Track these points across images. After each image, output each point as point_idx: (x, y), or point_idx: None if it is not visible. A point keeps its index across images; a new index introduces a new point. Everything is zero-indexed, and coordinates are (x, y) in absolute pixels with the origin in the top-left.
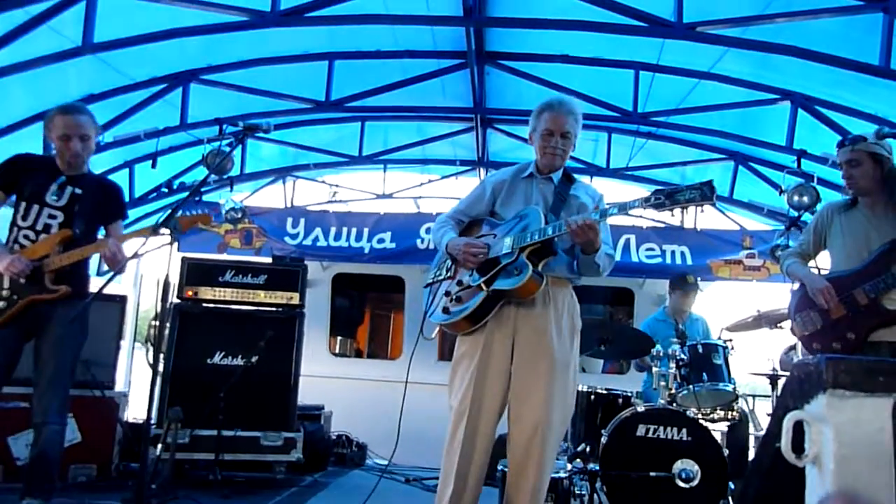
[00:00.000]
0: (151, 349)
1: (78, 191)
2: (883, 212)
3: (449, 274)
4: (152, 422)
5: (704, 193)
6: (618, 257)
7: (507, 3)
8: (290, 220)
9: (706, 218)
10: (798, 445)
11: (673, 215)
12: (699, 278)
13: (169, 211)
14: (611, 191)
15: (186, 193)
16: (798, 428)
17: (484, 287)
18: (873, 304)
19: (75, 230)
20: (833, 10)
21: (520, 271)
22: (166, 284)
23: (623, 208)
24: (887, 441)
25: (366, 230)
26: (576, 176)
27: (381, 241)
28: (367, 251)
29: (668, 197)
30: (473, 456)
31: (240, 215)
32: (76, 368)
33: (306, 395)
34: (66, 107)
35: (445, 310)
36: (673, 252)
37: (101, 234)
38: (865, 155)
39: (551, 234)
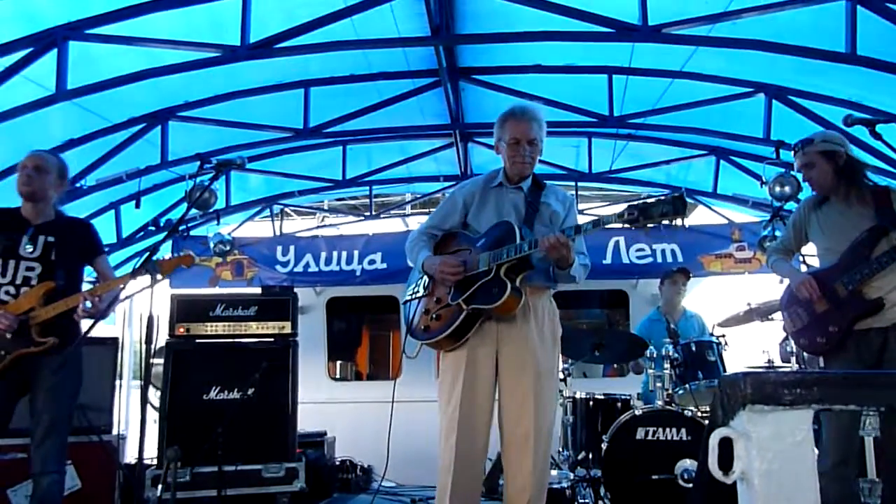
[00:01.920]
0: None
1: (51, 238)
2: (853, 203)
3: (427, 291)
4: (150, 462)
5: (677, 207)
6: (608, 260)
7: (474, 19)
8: (279, 248)
9: (694, 214)
10: (728, 461)
11: (647, 233)
12: (685, 270)
13: (147, 254)
14: (595, 198)
15: (165, 234)
16: (727, 444)
17: (464, 306)
18: (853, 294)
19: (58, 280)
20: (798, 1)
21: (499, 289)
22: (150, 325)
23: (597, 224)
24: (809, 453)
25: (356, 252)
26: (546, 182)
27: (371, 262)
28: (359, 273)
29: (641, 212)
30: (467, 472)
31: (228, 248)
32: (73, 416)
33: (308, 422)
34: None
35: (427, 328)
36: (663, 250)
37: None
38: (816, 155)
39: (527, 252)
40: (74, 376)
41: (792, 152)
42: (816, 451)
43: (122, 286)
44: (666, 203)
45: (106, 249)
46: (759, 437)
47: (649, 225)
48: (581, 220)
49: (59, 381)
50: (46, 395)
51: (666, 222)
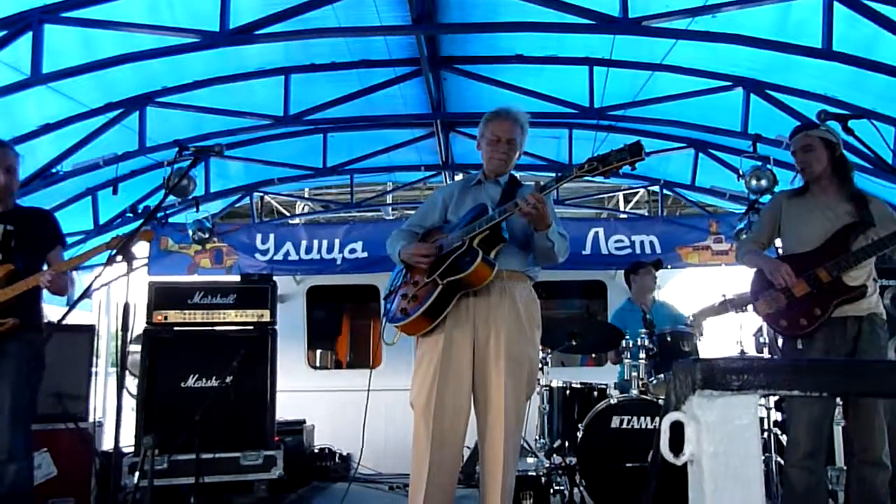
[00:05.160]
0: (128, 376)
1: (10, 227)
2: (834, 196)
3: (405, 280)
4: (127, 450)
5: (633, 151)
6: (587, 250)
7: (457, 8)
8: (259, 236)
9: (672, 206)
10: (680, 444)
11: (609, 176)
12: (658, 262)
13: (125, 241)
14: (575, 189)
15: (143, 221)
16: (678, 427)
17: (439, 280)
18: (836, 281)
19: (17, 265)
20: None
21: (470, 258)
22: (126, 312)
23: (560, 178)
24: (755, 436)
25: (336, 241)
26: (525, 176)
27: (352, 251)
28: (339, 262)
29: (600, 161)
30: (443, 457)
31: (207, 235)
32: (36, 402)
33: (287, 410)
34: None
35: (404, 310)
36: (642, 242)
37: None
38: (818, 140)
39: (497, 219)
40: (36, 363)
41: (789, 137)
42: (784, 438)
43: (81, 264)
44: (623, 150)
45: (81, 237)
46: (707, 420)
47: (610, 171)
48: (559, 211)
49: (20, 366)
50: (6, 380)
51: (628, 168)
